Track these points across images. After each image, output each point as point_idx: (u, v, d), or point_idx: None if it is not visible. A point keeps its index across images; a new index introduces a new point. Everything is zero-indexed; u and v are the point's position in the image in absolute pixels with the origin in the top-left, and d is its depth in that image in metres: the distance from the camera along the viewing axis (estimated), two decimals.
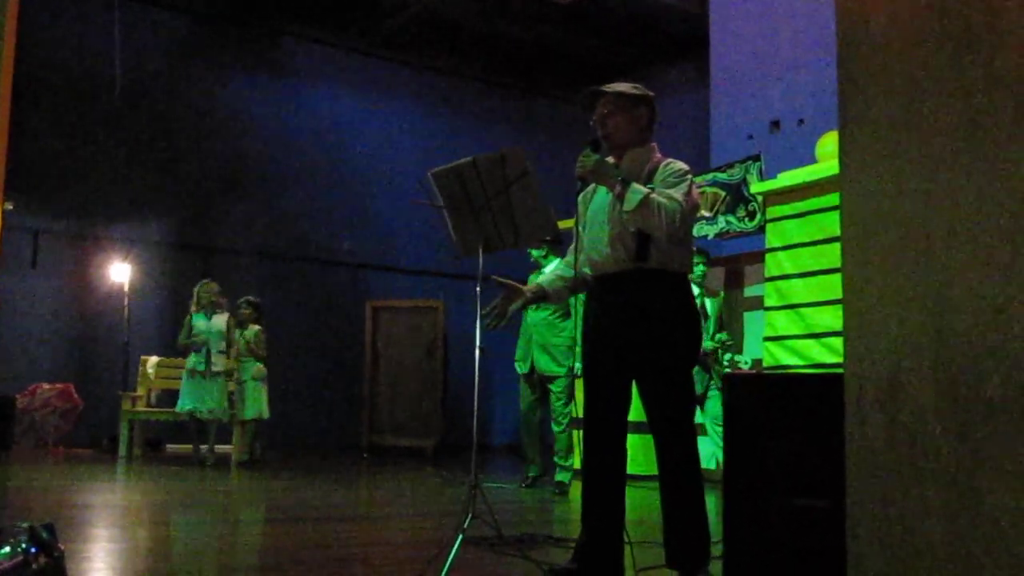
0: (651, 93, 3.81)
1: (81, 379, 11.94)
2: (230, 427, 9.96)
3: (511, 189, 3.79)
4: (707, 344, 7.21)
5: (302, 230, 14.21)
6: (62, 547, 2.61)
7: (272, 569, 3.85)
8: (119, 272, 12.21)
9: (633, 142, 3.75)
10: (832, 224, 7.59)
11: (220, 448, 9.98)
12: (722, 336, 7.32)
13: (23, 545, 2.52)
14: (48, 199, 12.42)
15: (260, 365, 9.84)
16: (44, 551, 2.54)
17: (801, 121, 10.79)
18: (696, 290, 7.33)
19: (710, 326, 7.32)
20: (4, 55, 10.95)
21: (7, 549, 2.49)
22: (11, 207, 11.38)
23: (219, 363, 9.70)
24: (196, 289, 9.99)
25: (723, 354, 7.42)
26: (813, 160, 8.57)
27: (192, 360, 9.73)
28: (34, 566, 2.49)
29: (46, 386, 11.32)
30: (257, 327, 9.93)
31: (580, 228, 3.84)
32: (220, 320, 9.84)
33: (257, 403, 9.75)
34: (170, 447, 11.07)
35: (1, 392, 10.67)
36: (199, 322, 9.80)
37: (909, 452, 1.47)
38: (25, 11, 11.41)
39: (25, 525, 2.57)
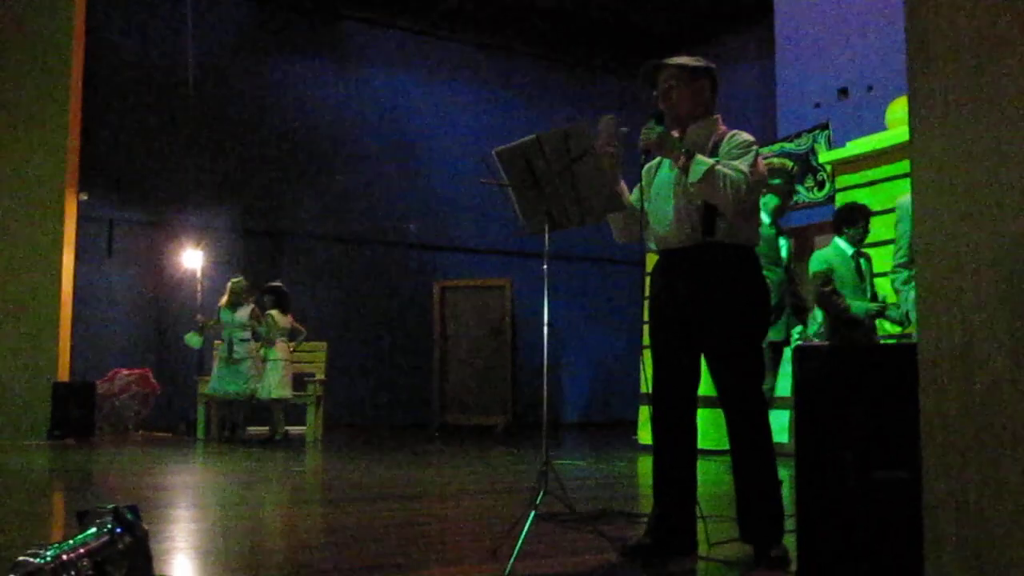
0: (713, 64, 3.77)
1: (158, 364, 12.22)
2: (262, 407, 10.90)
3: (575, 166, 3.78)
4: (872, 306, 6.78)
5: (368, 212, 14.32)
6: (145, 527, 2.69)
7: (346, 546, 3.92)
8: (192, 258, 12.45)
9: (696, 114, 3.72)
10: (903, 192, 7.47)
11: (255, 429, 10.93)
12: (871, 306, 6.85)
13: (109, 526, 2.59)
14: (121, 189, 12.69)
15: (271, 351, 10.67)
16: (129, 531, 2.61)
17: (870, 88, 10.59)
18: (850, 249, 6.85)
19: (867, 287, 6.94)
20: (74, 50, 11.23)
21: (94, 530, 2.57)
22: (85, 197, 11.68)
23: (240, 351, 10.58)
24: (229, 283, 10.94)
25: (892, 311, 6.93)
26: (883, 127, 8.42)
27: (220, 349, 10.75)
28: (120, 546, 2.56)
29: (124, 372, 11.58)
30: (273, 312, 10.74)
31: (644, 202, 3.83)
32: (243, 313, 10.69)
33: (270, 385, 10.53)
34: (250, 429, 11.30)
35: (82, 378, 10.98)
36: (225, 315, 10.75)
37: (985, 422, 1.46)
38: (94, 5, 11.66)
39: (110, 507, 2.64)
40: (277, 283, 11.07)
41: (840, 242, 6.93)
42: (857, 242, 6.85)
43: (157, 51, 13.02)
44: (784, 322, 6.83)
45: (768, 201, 6.72)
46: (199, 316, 10.95)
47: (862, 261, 6.88)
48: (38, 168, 10.64)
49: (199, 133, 13.04)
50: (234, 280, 10.96)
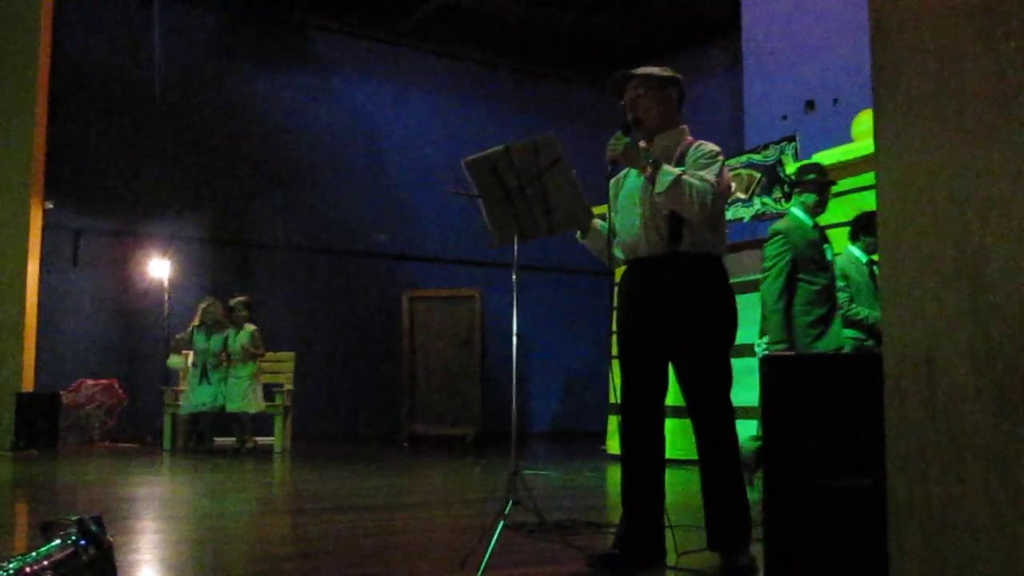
0: (679, 75, 3.80)
1: (125, 374, 12.09)
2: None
3: (544, 176, 3.79)
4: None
5: (337, 223, 14.28)
6: (111, 539, 2.66)
7: (315, 557, 3.90)
8: (159, 268, 12.36)
9: (664, 124, 3.75)
10: (869, 204, 7.53)
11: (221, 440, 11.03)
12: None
13: (73, 538, 2.57)
14: (88, 197, 12.57)
15: (255, 366, 10.66)
16: (93, 543, 2.59)
17: (836, 100, 10.69)
18: (865, 257, 6.71)
19: None
20: (40, 59, 11.11)
21: (58, 542, 2.54)
22: (51, 206, 11.56)
23: (215, 374, 10.53)
24: (201, 306, 10.83)
25: None
26: (849, 139, 8.49)
27: (191, 373, 10.69)
28: (84, 558, 2.54)
29: (90, 382, 11.46)
30: (252, 327, 10.69)
31: (612, 213, 3.84)
32: (218, 339, 10.63)
33: (247, 398, 10.52)
34: (216, 440, 11.21)
35: (47, 389, 10.85)
36: (199, 339, 10.65)
37: (948, 429, 1.47)
38: (61, 13, 11.57)
39: (74, 518, 2.61)
40: (245, 296, 11.00)
41: (854, 250, 6.79)
42: (872, 250, 6.71)
43: (124, 61, 12.92)
44: (834, 332, 6.53)
45: (806, 199, 6.52)
46: (177, 335, 10.91)
47: (876, 269, 6.71)
48: (3, 177, 10.52)
49: (167, 143, 12.96)
50: (210, 304, 10.86)
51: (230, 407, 10.43)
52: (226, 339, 10.60)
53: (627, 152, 3.61)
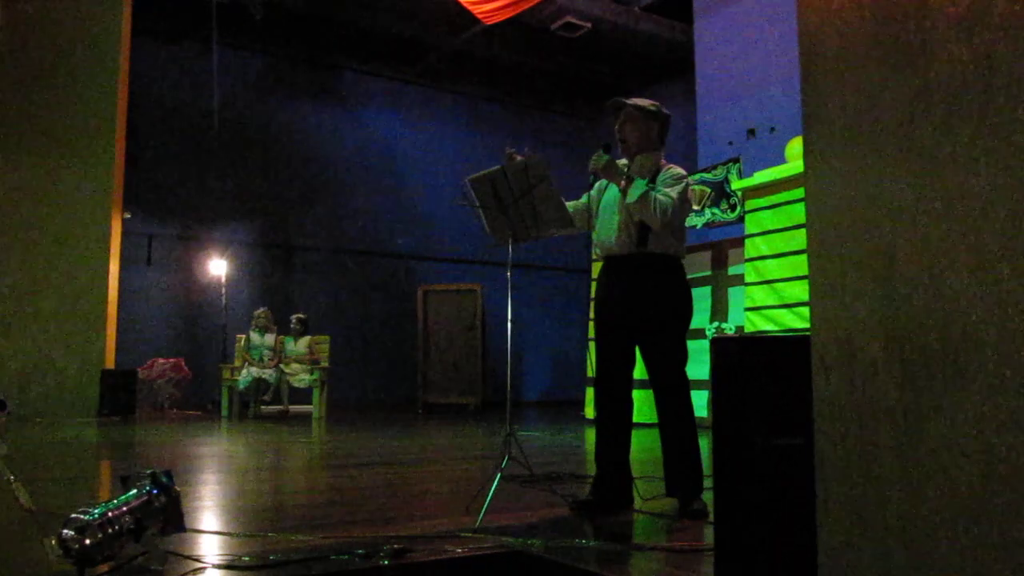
0: (665, 110, 3.79)
1: (189, 354, 12.07)
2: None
3: (533, 191, 3.79)
4: None
5: (363, 229, 14.26)
6: (178, 489, 2.66)
7: (347, 503, 3.89)
8: (217, 267, 12.33)
9: (644, 148, 3.76)
10: (799, 213, 7.54)
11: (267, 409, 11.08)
12: None
13: (147, 487, 2.56)
14: (159, 209, 12.55)
15: (316, 374, 10.91)
16: (164, 492, 2.58)
17: (772, 129, 10.68)
18: None
19: None
20: (119, 95, 11.06)
21: (135, 491, 2.54)
22: (129, 216, 11.53)
23: (266, 371, 10.76)
24: (255, 313, 11.22)
25: None
26: (783, 161, 8.49)
27: (245, 369, 10.81)
28: (156, 504, 2.53)
29: (161, 360, 11.44)
30: (307, 338, 11.16)
31: (594, 218, 3.86)
32: (270, 338, 11.02)
33: (299, 376, 10.95)
34: (264, 408, 11.19)
35: (125, 366, 10.83)
36: (255, 337, 11.00)
37: (864, 397, 1.47)
38: (137, 56, 11.53)
39: (148, 472, 2.61)
40: (303, 315, 11.35)
41: None
42: None
43: (188, 95, 12.89)
44: None
45: None
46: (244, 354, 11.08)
47: None
48: (89, 192, 10.51)
49: (223, 163, 12.93)
50: (262, 311, 11.20)
51: (293, 382, 10.75)
52: (281, 342, 11.00)
53: (607, 167, 3.63)
